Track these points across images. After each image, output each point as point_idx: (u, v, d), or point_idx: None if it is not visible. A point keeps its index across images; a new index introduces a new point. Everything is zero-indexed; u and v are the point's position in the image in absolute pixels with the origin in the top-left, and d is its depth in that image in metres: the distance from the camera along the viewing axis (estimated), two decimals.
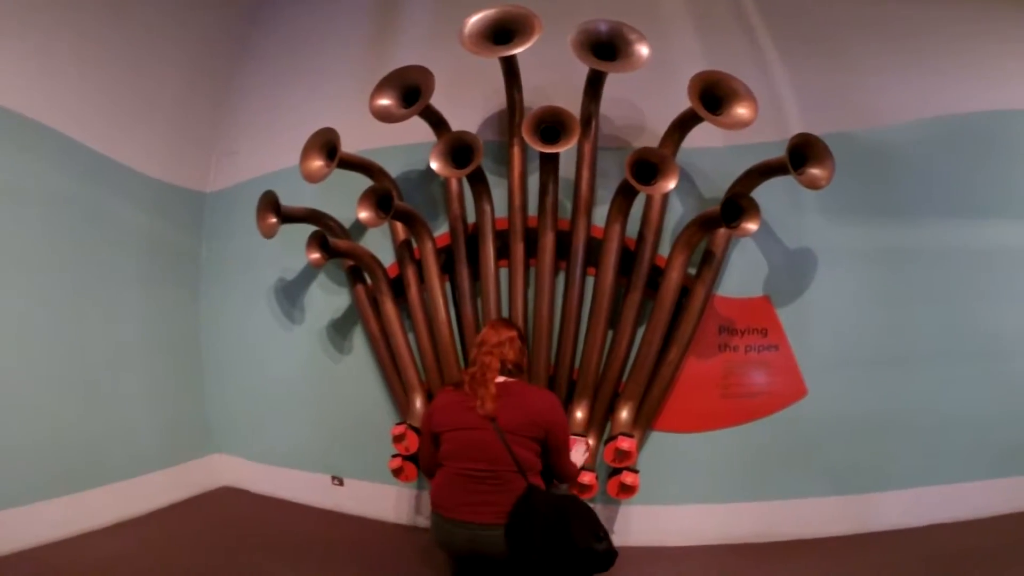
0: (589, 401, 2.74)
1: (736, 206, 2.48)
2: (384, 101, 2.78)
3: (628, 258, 2.79)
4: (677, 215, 2.92)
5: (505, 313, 2.84)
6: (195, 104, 3.65)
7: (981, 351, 3.00)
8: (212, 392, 3.66)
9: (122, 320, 3.25)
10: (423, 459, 2.14)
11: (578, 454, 2.41)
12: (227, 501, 3.47)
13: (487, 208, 2.83)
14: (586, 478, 2.53)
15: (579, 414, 2.71)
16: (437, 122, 2.84)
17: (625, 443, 2.56)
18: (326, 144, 2.86)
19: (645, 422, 2.77)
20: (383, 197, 2.69)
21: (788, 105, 3.02)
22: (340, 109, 3.21)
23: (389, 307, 2.97)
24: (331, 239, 2.83)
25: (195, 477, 3.52)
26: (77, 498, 2.88)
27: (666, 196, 2.78)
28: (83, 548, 2.73)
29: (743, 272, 2.94)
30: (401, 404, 2.99)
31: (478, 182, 2.82)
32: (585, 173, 2.75)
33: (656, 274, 2.78)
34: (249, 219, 3.06)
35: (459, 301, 2.90)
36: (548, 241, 2.74)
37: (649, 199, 2.77)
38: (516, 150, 2.82)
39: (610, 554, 1.79)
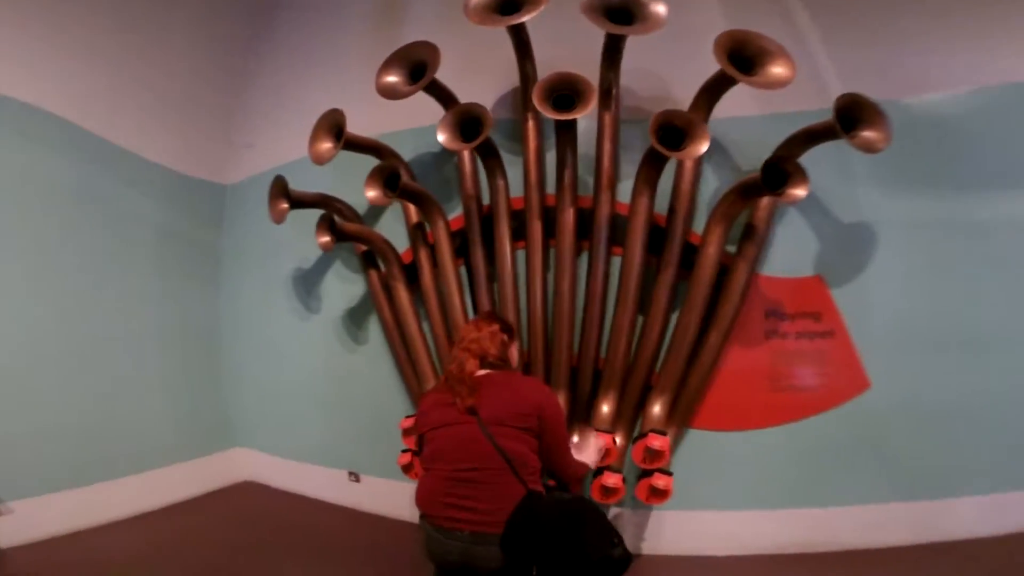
0: (616, 394, 2.49)
1: (779, 171, 2.18)
2: (391, 78, 2.62)
3: (658, 236, 2.52)
4: (711, 189, 2.62)
5: (524, 299, 2.63)
6: (210, 97, 3.61)
7: None
8: (232, 385, 3.62)
9: (141, 312, 3.24)
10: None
11: (590, 452, 2.14)
12: (246, 496, 3.41)
13: (501, 184, 2.62)
14: (610, 480, 2.29)
15: (605, 408, 2.46)
16: (447, 99, 2.66)
17: (656, 441, 2.30)
18: (333, 125, 2.73)
19: (681, 418, 2.50)
20: (391, 176, 2.53)
21: (827, 74, 2.66)
22: (353, 96, 3.04)
23: (402, 294, 2.81)
24: (339, 221, 2.69)
25: (215, 471, 3.48)
26: (94, 490, 2.87)
27: (698, 165, 2.51)
28: (97, 541, 2.70)
29: (790, 248, 2.61)
30: (415, 396, 2.82)
31: (491, 157, 2.62)
32: (607, 146, 2.50)
33: (690, 252, 2.50)
34: (266, 210, 2.96)
35: (475, 286, 2.71)
36: (568, 218, 2.51)
37: (679, 169, 2.49)
38: (531, 124, 2.60)
39: (625, 560, 1.55)
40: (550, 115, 2.31)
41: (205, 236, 3.59)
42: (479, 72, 2.83)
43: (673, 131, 2.26)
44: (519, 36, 2.48)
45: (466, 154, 2.74)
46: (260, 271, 3.52)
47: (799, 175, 2.15)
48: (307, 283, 3.36)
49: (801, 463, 2.58)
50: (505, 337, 1.91)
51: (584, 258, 2.59)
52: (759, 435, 2.59)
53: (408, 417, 2.63)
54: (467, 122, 2.49)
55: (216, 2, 3.50)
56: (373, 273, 2.93)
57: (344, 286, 3.23)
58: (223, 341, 3.63)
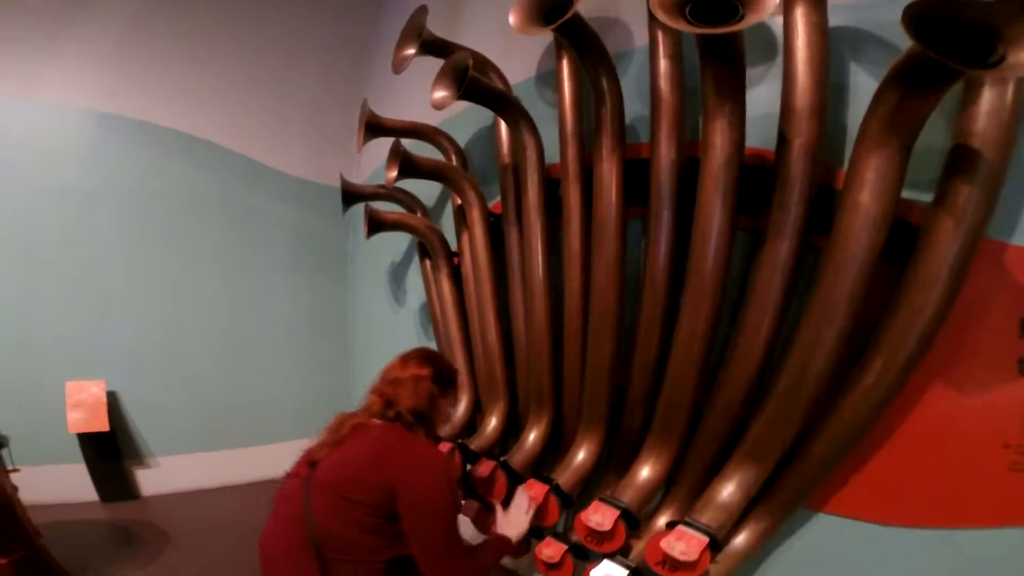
0: (671, 448, 1.56)
1: (985, 30, 1.00)
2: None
3: (755, 183, 1.50)
4: (854, 95, 1.44)
5: (558, 292, 1.90)
6: (332, 106, 3.79)
7: None
8: (353, 369, 3.75)
9: (275, 304, 3.63)
10: None
11: (514, 513, 1.54)
12: None
13: (530, 142, 1.92)
14: (547, 551, 1.58)
15: (645, 471, 1.54)
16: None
17: (687, 545, 1.32)
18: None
19: (787, 502, 1.43)
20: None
21: None
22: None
23: (445, 286, 2.38)
24: (377, 210, 2.37)
25: None
26: (224, 455, 3.33)
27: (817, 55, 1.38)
28: (221, 500, 3.10)
29: None
30: None
31: (517, 114, 1.93)
32: (663, 64, 1.58)
33: (824, 207, 1.41)
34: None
35: (509, 275, 2.08)
36: (608, 171, 1.68)
37: (787, 63, 1.40)
38: (565, 64, 1.84)
39: None
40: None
41: (333, 235, 3.79)
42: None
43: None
44: None
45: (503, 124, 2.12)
46: (384, 268, 3.53)
47: None
48: (397, 277, 3.23)
49: None
50: (434, 389, 1.38)
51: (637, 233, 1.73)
52: (982, 538, 1.31)
53: None
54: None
55: (336, 34, 3.68)
56: (427, 263, 2.56)
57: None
58: (347, 329, 3.80)
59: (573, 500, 1.66)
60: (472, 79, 1.67)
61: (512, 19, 1.42)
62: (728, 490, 1.37)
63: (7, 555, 2.08)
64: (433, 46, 2.22)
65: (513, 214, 2.05)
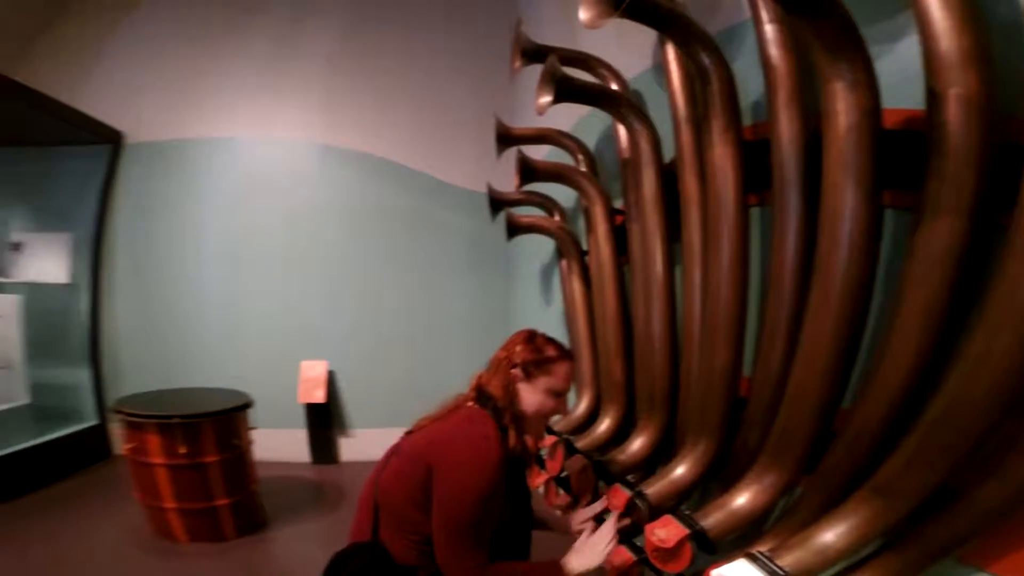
0: (786, 471, 1.31)
1: None
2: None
3: (898, 149, 1.20)
4: None
5: (680, 291, 1.76)
6: (490, 122, 4.07)
7: None
8: None
9: (452, 300, 4.13)
10: None
11: (592, 547, 1.32)
12: None
13: (639, 127, 1.82)
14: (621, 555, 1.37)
15: (742, 499, 1.32)
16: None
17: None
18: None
19: (941, 548, 1.09)
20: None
21: None
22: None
23: (575, 285, 2.39)
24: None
25: None
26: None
27: None
28: None
29: None
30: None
31: (628, 108, 1.85)
32: (768, 30, 1.37)
33: (1011, 168, 1.07)
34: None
35: (631, 273, 1.99)
36: (721, 155, 1.51)
37: (917, 7, 1.09)
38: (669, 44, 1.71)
39: None
40: None
41: (497, 240, 4.05)
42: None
43: None
44: None
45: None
46: (528, 267, 3.69)
47: None
48: (546, 277, 3.32)
49: None
50: (515, 374, 1.38)
51: (757, 221, 1.52)
52: None
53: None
54: None
55: (487, 52, 3.98)
56: (563, 263, 2.58)
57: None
58: (508, 326, 4.01)
59: (658, 515, 1.50)
60: (561, 80, 1.66)
61: (582, 15, 1.37)
62: (835, 533, 1.10)
63: (229, 496, 2.70)
64: (536, 54, 2.26)
65: (634, 210, 1.96)
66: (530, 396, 1.40)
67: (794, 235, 1.40)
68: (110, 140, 3.88)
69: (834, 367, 1.27)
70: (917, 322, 1.16)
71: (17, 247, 3.71)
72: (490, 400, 1.36)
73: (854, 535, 1.09)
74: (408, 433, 1.44)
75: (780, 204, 1.41)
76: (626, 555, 1.43)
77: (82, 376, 3.85)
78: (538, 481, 2.00)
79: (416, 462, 1.28)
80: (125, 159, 3.95)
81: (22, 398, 3.42)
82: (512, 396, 1.37)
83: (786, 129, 1.38)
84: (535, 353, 1.41)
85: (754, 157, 1.51)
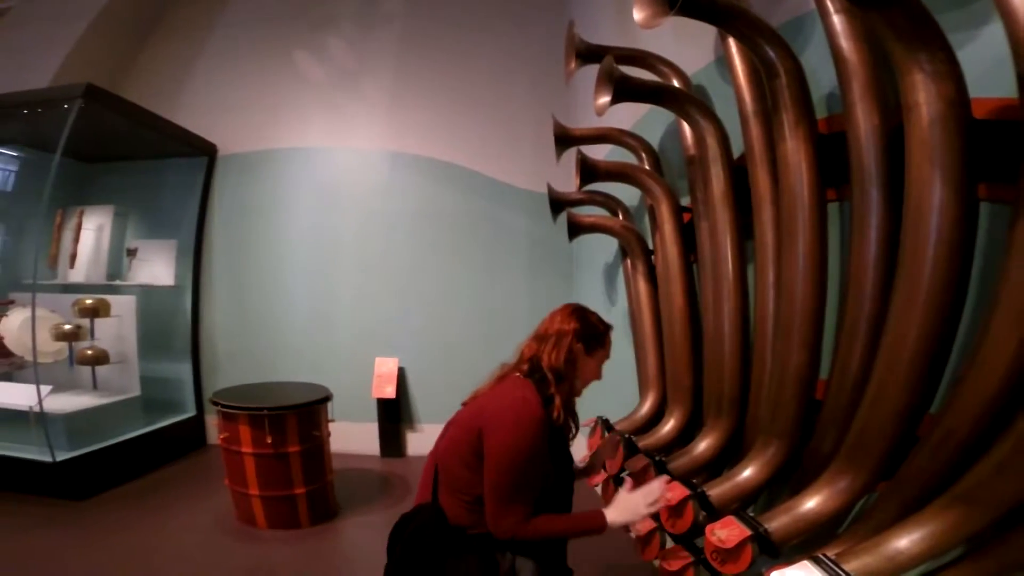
0: (863, 476, 1.25)
1: None
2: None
3: (996, 141, 1.13)
4: None
5: (752, 290, 1.72)
6: (549, 123, 4.10)
7: None
8: None
9: (516, 300, 4.17)
10: None
11: (635, 502, 1.37)
12: None
13: (705, 123, 1.79)
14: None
15: (812, 503, 1.27)
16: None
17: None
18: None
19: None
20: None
21: None
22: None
23: (641, 284, 2.38)
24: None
25: None
26: None
27: None
28: None
29: None
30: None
31: (691, 105, 1.83)
32: (836, 21, 1.31)
33: None
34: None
35: (700, 273, 1.97)
36: (794, 149, 1.46)
37: None
38: (731, 38, 1.65)
39: None
40: None
41: (559, 240, 4.06)
42: None
43: None
44: None
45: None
46: (591, 267, 3.67)
47: None
48: (610, 276, 3.29)
49: None
50: (578, 346, 1.43)
51: (835, 217, 1.46)
52: None
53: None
54: None
55: (545, 53, 4.03)
56: (627, 262, 2.57)
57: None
58: None
59: (719, 516, 1.46)
60: (619, 80, 1.66)
61: (636, 15, 1.37)
62: (909, 539, 1.05)
63: (307, 485, 2.88)
64: (591, 54, 2.25)
65: (702, 207, 1.93)
66: (586, 367, 1.49)
67: (876, 231, 1.35)
68: (206, 152, 4.25)
69: (919, 370, 1.21)
70: (1014, 323, 1.09)
71: (132, 253, 4.13)
72: (538, 371, 1.42)
73: (929, 542, 1.04)
74: (463, 404, 1.54)
75: (860, 199, 1.36)
76: (650, 523, 1.51)
77: (183, 370, 4.24)
78: (596, 480, 2.01)
79: (469, 429, 1.38)
80: (219, 170, 4.32)
81: (135, 390, 3.81)
82: (573, 368, 1.44)
83: (863, 122, 1.33)
84: (592, 328, 1.50)
85: (831, 151, 1.45)
